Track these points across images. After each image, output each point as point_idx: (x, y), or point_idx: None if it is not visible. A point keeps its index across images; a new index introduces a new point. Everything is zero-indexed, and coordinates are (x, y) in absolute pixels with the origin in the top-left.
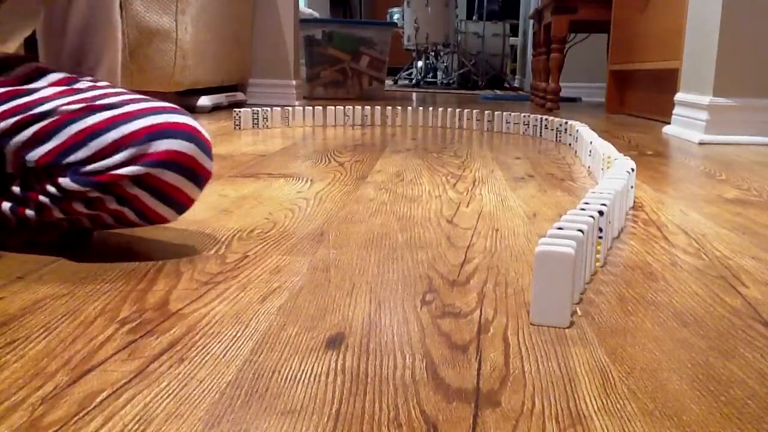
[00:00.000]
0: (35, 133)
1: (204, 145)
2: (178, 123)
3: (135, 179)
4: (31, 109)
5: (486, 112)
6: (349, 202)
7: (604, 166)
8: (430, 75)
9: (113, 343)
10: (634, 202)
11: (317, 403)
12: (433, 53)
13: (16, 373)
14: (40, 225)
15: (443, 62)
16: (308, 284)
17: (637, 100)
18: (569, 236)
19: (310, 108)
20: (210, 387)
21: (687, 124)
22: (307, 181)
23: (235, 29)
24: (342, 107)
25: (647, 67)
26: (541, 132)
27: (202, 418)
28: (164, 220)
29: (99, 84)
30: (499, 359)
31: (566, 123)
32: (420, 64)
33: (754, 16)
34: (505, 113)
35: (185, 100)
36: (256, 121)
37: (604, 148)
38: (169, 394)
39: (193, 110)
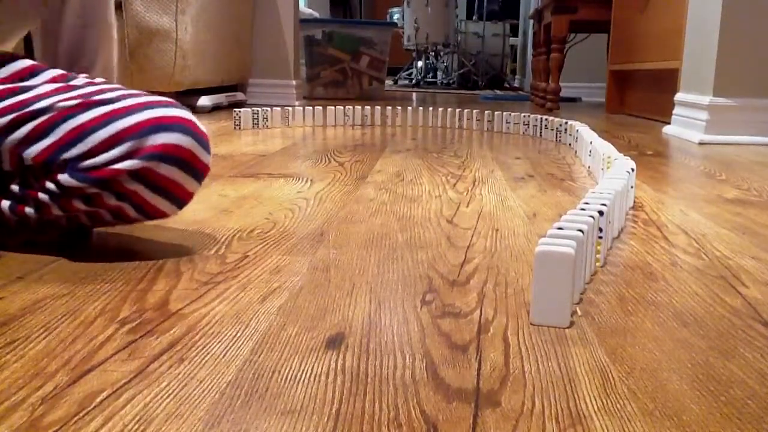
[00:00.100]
0: (32, 130)
1: (201, 139)
2: (174, 117)
3: (133, 173)
4: (27, 107)
5: (486, 112)
6: (349, 202)
7: (604, 166)
8: (430, 75)
9: (113, 343)
10: (634, 202)
11: (317, 403)
12: (433, 53)
13: (16, 373)
14: (39, 224)
15: (443, 62)
16: (308, 284)
17: (637, 100)
18: (569, 236)
19: (310, 108)
20: (210, 387)
21: (687, 124)
22: (307, 181)
23: (235, 29)
24: (342, 107)
25: (647, 67)
26: (541, 132)
27: (202, 418)
28: (163, 215)
29: (95, 80)
30: (499, 359)
31: (566, 123)
32: (420, 64)
33: (754, 16)
34: (505, 113)
35: (185, 100)
36: (256, 121)
37: (604, 148)
38: (169, 394)
39: (193, 110)
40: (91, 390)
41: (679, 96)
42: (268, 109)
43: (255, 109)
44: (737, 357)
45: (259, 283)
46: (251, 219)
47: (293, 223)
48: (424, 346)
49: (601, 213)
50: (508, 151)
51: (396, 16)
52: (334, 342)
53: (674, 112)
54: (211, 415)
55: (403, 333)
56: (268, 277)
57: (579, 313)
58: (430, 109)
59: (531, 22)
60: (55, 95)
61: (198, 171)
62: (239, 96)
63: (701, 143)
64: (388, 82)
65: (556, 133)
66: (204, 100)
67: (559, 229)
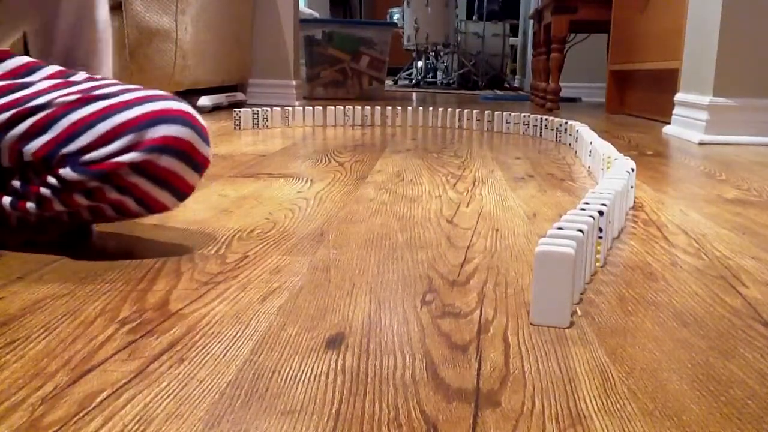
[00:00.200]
0: (31, 126)
1: (201, 131)
2: (174, 109)
3: (133, 166)
4: (26, 103)
5: (486, 112)
6: (349, 202)
7: (604, 166)
8: (430, 75)
9: (113, 343)
10: (634, 202)
11: (317, 403)
12: (433, 53)
13: (16, 373)
14: (40, 222)
15: (443, 62)
16: (308, 284)
17: (637, 100)
18: (569, 236)
19: (310, 108)
20: (210, 387)
21: (687, 124)
22: (307, 181)
23: (235, 29)
24: (342, 107)
25: (647, 67)
26: (541, 132)
27: (202, 418)
28: (165, 208)
29: (94, 76)
30: (499, 359)
31: (566, 123)
32: (420, 64)
33: (754, 16)
34: (505, 113)
35: (185, 100)
36: (256, 121)
37: (604, 148)
38: (169, 394)
39: None
40: (91, 390)
41: (679, 96)
42: (268, 109)
43: (255, 109)
44: (737, 357)
45: (259, 283)
46: (251, 219)
47: (293, 223)
48: (424, 346)
49: (601, 213)
50: (508, 151)
51: (396, 16)
52: (334, 342)
53: (674, 112)
54: (211, 415)
55: (403, 333)
56: (268, 277)
57: (579, 313)
58: (430, 109)
59: (531, 22)
60: (54, 91)
61: (198, 163)
62: (239, 96)
63: (701, 143)
64: (388, 82)
65: (556, 133)
66: (204, 100)
67: (559, 229)
